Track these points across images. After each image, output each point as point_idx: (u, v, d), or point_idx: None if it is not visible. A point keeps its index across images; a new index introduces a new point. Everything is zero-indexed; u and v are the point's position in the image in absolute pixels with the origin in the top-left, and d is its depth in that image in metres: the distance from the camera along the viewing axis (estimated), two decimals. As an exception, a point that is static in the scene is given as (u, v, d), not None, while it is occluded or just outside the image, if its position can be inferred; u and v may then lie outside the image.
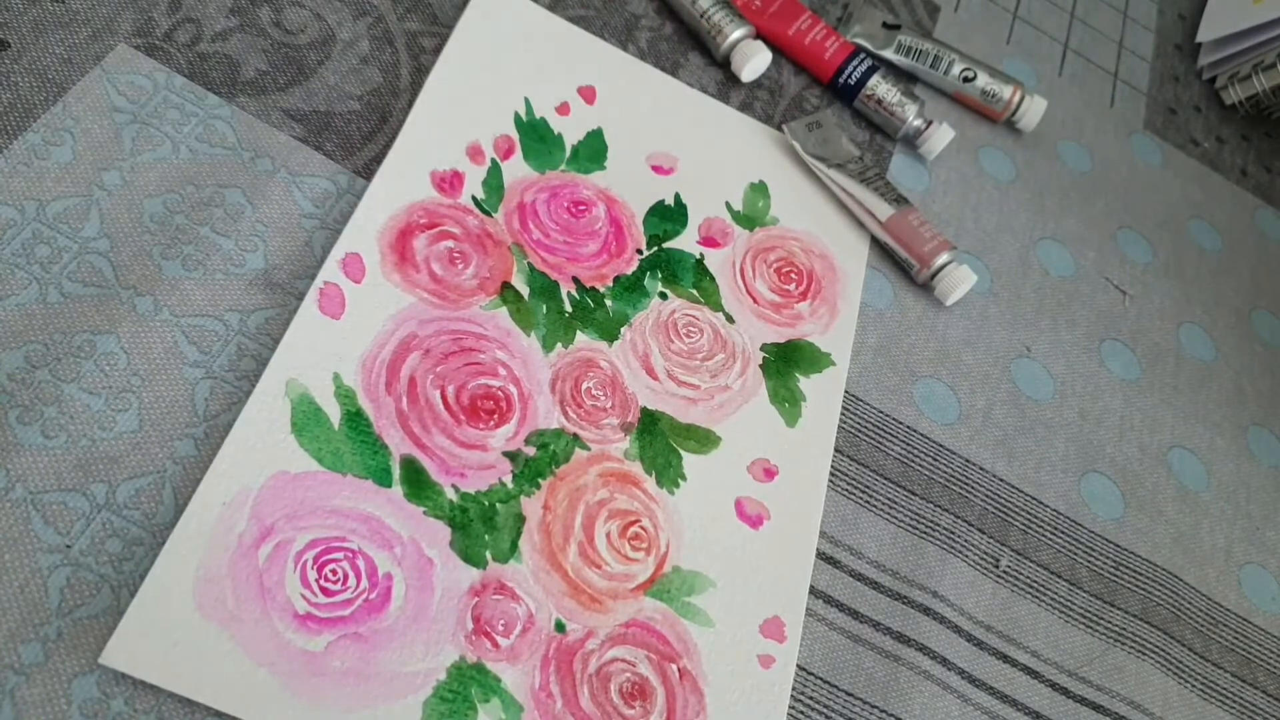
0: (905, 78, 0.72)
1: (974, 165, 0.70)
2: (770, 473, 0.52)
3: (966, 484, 0.56)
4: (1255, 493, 0.64)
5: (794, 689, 0.47)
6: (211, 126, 0.50)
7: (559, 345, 0.51)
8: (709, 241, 0.58)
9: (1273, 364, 0.71)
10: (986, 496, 0.57)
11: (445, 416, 0.47)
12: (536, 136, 0.57)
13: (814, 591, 0.50)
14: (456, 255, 0.51)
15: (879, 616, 0.50)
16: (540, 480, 0.47)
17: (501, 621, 0.44)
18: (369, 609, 0.42)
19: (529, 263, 0.53)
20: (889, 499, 0.54)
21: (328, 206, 0.50)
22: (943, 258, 0.61)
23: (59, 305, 0.43)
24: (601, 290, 0.54)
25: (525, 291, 0.52)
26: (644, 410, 0.51)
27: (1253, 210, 0.80)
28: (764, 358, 0.55)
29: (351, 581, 0.42)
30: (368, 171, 0.52)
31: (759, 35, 0.67)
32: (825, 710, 0.47)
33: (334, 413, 0.45)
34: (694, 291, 0.56)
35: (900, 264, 0.62)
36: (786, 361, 0.56)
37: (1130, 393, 0.65)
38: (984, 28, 0.79)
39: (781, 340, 0.56)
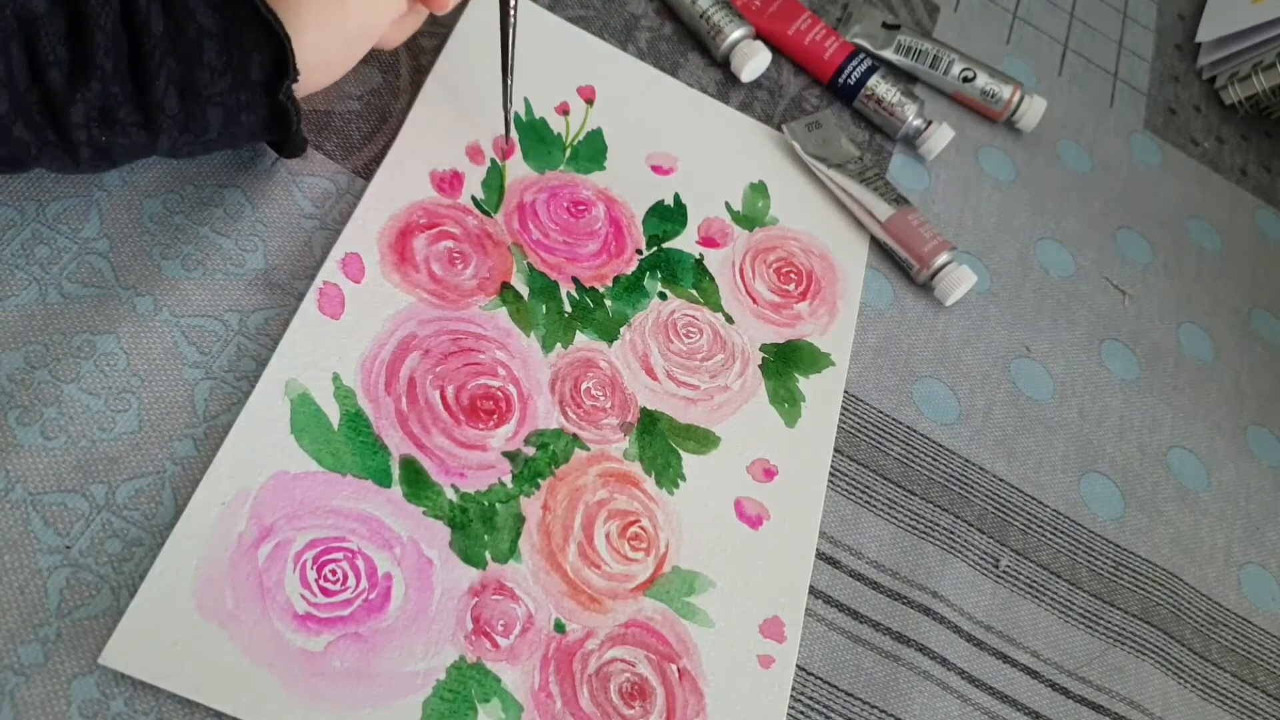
0: (905, 78, 0.72)
1: (974, 165, 0.70)
2: (770, 473, 0.52)
3: (966, 484, 0.56)
4: (1255, 493, 0.64)
5: (794, 689, 0.47)
6: (211, 127, 0.50)
7: (558, 345, 0.51)
8: (708, 242, 0.58)
9: (1273, 364, 0.71)
10: (986, 496, 0.57)
11: (445, 417, 0.47)
12: (536, 137, 0.57)
13: (814, 591, 0.50)
14: (456, 255, 0.51)
15: (879, 616, 0.50)
16: (540, 480, 0.47)
17: (501, 622, 0.44)
18: (369, 609, 0.42)
19: (528, 263, 0.53)
20: (889, 499, 0.54)
21: (327, 206, 0.50)
22: (942, 258, 0.61)
23: (58, 306, 0.43)
24: (601, 290, 0.54)
25: (525, 292, 0.52)
26: (643, 410, 0.51)
27: (1253, 210, 0.80)
28: (763, 358, 0.55)
29: (351, 581, 0.42)
30: (367, 171, 0.52)
31: (758, 35, 0.67)
32: (825, 710, 0.47)
33: (333, 413, 0.45)
34: (693, 292, 0.56)
35: (900, 264, 0.62)
36: (786, 362, 0.56)
37: (1130, 393, 0.65)
38: (984, 28, 0.79)
39: (781, 340, 0.56)
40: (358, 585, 0.42)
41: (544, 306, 0.52)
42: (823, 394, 0.55)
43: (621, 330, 0.53)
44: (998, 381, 0.61)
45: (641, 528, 0.48)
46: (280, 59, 0.41)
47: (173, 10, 0.39)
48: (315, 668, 0.40)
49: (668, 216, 0.58)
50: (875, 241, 0.63)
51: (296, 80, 0.42)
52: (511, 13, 0.50)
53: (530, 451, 0.48)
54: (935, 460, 0.56)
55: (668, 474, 0.50)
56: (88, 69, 0.37)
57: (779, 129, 0.65)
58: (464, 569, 0.44)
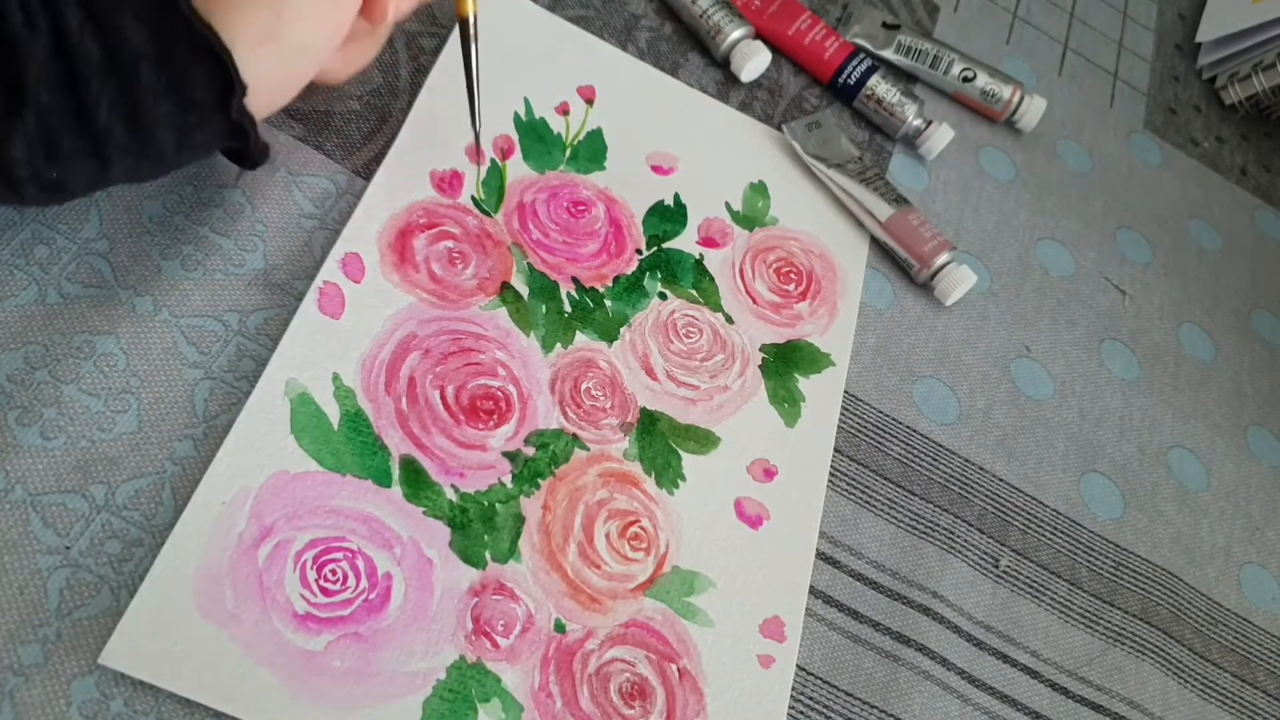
0: (905, 78, 0.72)
1: (974, 165, 0.70)
2: (770, 473, 0.52)
3: (966, 484, 0.56)
4: (1255, 493, 0.64)
5: (794, 689, 0.47)
6: (211, 127, 0.50)
7: (558, 345, 0.51)
8: (708, 242, 0.58)
9: (1273, 364, 0.71)
10: (986, 496, 0.57)
11: (445, 417, 0.47)
12: (536, 136, 0.57)
13: (814, 591, 0.50)
14: (456, 255, 0.51)
15: (879, 616, 0.50)
16: (540, 480, 0.47)
17: (501, 621, 0.44)
18: (369, 609, 0.42)
19: (528, 263, 0.53)
20: (889, 499, 0.54)
21: (327, 206, 0.50)
22: (942, 258, 0.61)
23: (58, 306, 0.43)
24: (601, 290, 0.54)
25: (525, 292, 0.52)
26: (643, 410, 0.51)
27: (1252, 210, 0.80)
28: (763, 358, 0.55)
29: (351, 581, 0.42)
30: (367, 171, 0.52)
31: (758, 35, 0.67)
32: (825, 710, 0.47)
33: (333, 413, 0.45)
34: (693, 292, 0.56)
35: (900, 264, 0.62)
36: (786, 362, 0.56)
37: (1130, 393, 0.65)
38: (984, 28, 0.79)
39: (781, 340, 0.56)
40: (358, 585, 0.42)
41: (544, 306, 0.52)
42: (823, 394, 0.55)
43: (621, 330, 0.53)
44: (998, 381, 0.61)
45: (641, 528, 0.48)
46: (223, 75, 0.39)
47: (105, 33, 0.36)
48: (315, 667, 0.40)
49: (668, 216, 0.58)
50: (875, 241, 0.63)
51: (245, 93, 0.40)
52: (473, 40, 0.49)
53: (530, 451, 0.48)
54: (935, 460, 0.56)
55: (668, 474, 0.50)
56: (23, 99, 0.35)
57: (779, 129, 0.65)
58: (464, 569, 0.44)
